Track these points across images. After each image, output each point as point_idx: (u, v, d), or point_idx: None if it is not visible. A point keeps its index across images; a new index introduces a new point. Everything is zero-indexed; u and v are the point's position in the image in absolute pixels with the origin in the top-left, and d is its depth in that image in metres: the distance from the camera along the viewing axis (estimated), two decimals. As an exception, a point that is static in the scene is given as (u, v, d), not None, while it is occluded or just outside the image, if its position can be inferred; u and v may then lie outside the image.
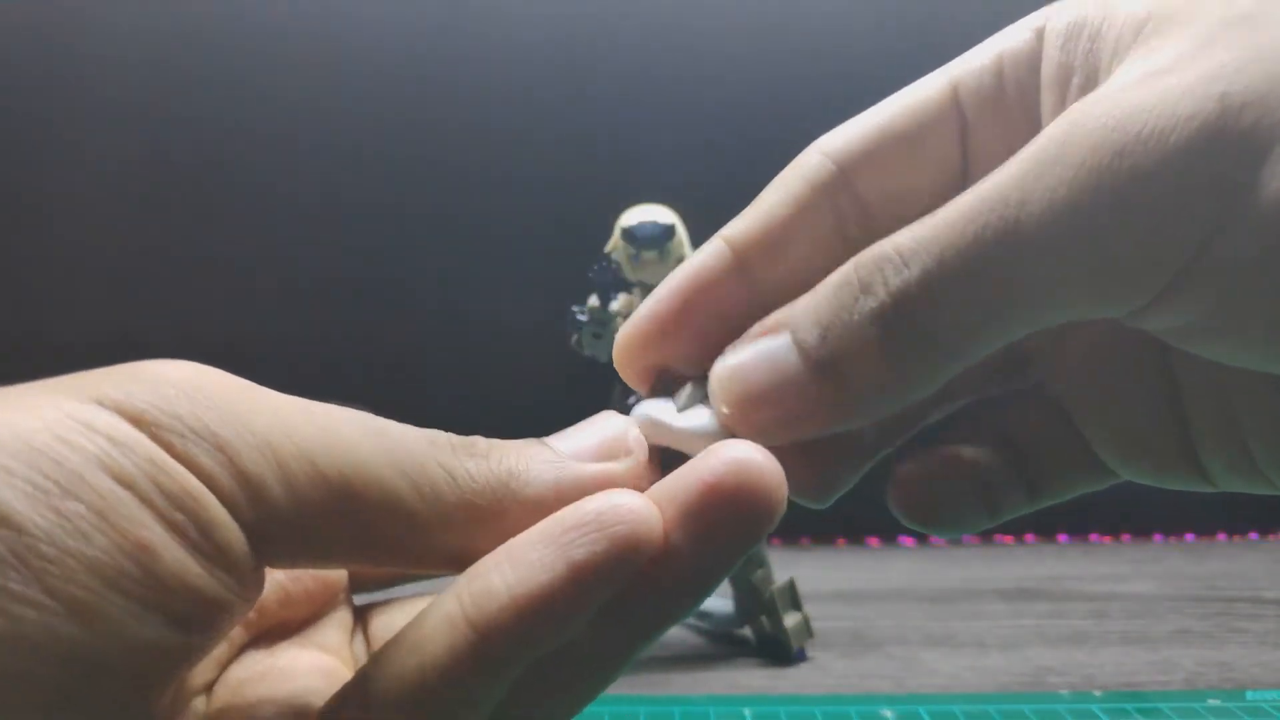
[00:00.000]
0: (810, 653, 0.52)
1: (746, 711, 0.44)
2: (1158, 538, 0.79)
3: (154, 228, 0.76)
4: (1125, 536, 0.79)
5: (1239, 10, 0.15)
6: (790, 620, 0.51)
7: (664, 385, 0.19)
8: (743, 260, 0.19)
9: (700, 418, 0.17)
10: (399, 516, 0.15)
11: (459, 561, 0.16)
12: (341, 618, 0.20)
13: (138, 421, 0.14)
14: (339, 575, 0.20)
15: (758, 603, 0.52)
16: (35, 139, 0.75)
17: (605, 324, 0.48)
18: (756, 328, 0.18)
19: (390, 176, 0.76)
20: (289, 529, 0.14)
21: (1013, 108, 0.19)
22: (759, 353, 0.17)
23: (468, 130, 0.76)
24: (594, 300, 0.48)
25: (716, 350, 0.18)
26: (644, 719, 0.43)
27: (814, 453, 0.18)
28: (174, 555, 0.13)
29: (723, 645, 0.54)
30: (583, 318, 0.48)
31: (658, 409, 0.18)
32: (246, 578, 0.14)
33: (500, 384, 0.76)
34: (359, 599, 0.21)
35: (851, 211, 0.19)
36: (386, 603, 0.21)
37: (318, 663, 0.19)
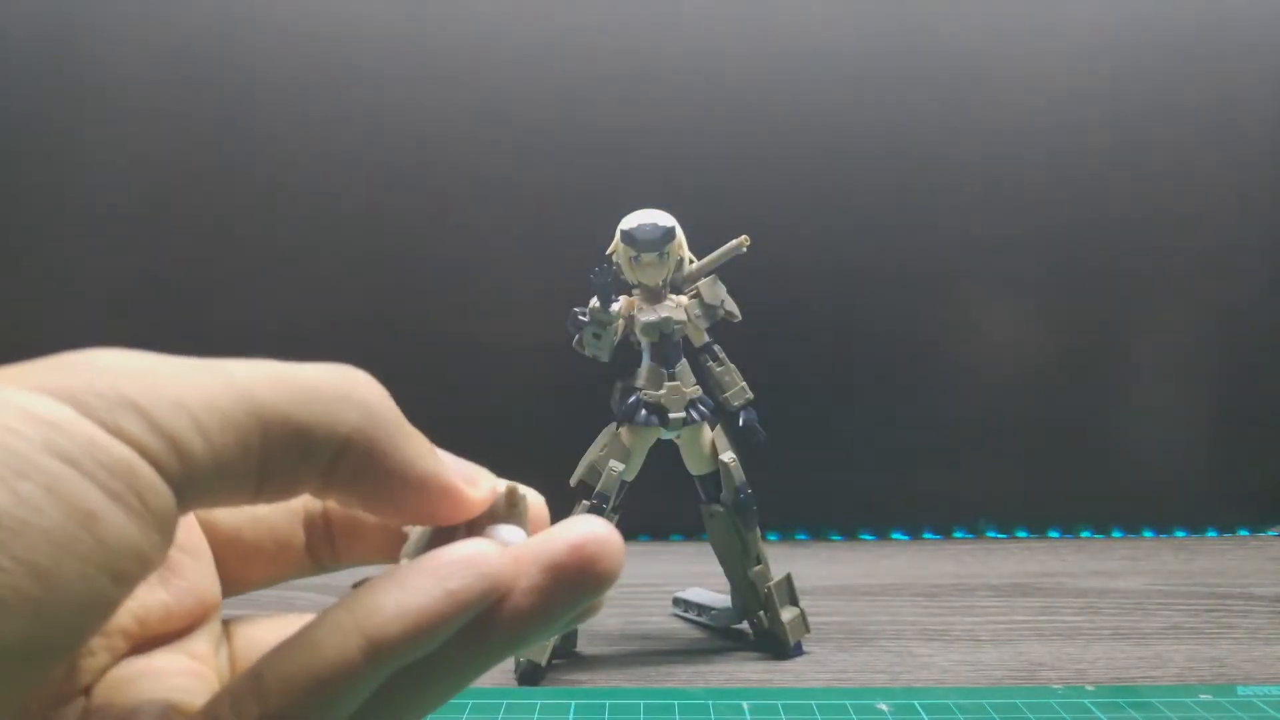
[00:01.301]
0: (807, 647, 0.53)
1: (744, 704, 0.44)
2: (1149, 534, 0.79)
3: (160, 234, 0.76)
4: (1116, 533, 0.80)
5: None
6: (787, 615, 0.52)
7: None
8: None
9: (517, 534, 0.20)
10: (300, 445, 0.17)
11: (353, 496, 0.19)
12: (212, 630, 0.23)
13: (71, 403, 0.16)
14: (215, 596, 0.23)
15: (755, 598, 0.53)
16: (48, 142, 0.76)
17: (606, 325, 0.49)
18: None
19: (393, 180, 0.76)
20: (207, 475, 0.16)
21: None
22: None
23: (471, 136, 0.76)
24: (595, 302, 0.49)
25: None
26: (644, 711, 0.44)
27: None
28: (116, 520, 0.15)
29: (722, 639, 0.54)
30: (584, 318, 0.49)
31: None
32: (169, 530, 0.16)
33: (504, 383, 0.77)
34: (228, 603, 0.23)
35: None
36: (248, 618, 0.24)
37: (188, 666, 0.21)
